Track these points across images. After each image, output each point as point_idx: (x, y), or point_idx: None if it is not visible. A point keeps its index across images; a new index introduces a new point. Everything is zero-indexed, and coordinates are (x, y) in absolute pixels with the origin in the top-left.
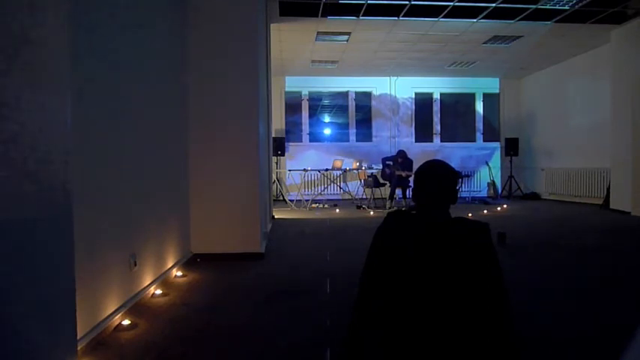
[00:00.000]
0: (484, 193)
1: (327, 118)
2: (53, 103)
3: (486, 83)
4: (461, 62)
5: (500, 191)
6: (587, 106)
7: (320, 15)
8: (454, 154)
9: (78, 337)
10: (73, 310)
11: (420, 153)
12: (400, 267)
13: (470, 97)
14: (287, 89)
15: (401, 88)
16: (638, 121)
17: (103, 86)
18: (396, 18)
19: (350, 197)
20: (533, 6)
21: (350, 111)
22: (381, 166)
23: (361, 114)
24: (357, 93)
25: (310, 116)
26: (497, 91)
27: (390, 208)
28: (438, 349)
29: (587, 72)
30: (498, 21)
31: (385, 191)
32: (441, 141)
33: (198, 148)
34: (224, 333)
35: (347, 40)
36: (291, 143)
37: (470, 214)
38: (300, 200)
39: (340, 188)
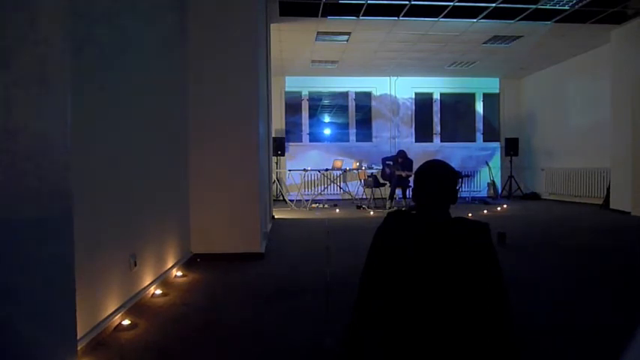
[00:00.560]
0: (484, 193)
1: (327, 118)
2: (53, 103)
3: (486, 83)
4: (461, 62)
5: (500, 191)
6: (587, 106)
7: (320, 15)
8: (454, 154)
9: (78, 337)
10: (73, 310)
11: (420, 153)
12: (400, 267)
13: (470, 97)
14: (287, 89)
15: (401, 88)
16: (638, 121)
17: (103, 86)
18: (396, 18)
19: (350, 197)
20: (533, 6)
21: (350, 111)
22: (381, 166)
23: (361, 114)
24: (357, 93)
25: (310, 116)
26: (497, 91)
27: (390, 208)
28: (438, 349)
29: (587, 72)
30: (498, 21)
31: (385, 191)
32: (441, 141)
33: (198, 148)
34: (224, 333)
35: (347, 40)
36: (291, 143)
37: (470, 214)
38: (300, 200)
39: (340, 188)
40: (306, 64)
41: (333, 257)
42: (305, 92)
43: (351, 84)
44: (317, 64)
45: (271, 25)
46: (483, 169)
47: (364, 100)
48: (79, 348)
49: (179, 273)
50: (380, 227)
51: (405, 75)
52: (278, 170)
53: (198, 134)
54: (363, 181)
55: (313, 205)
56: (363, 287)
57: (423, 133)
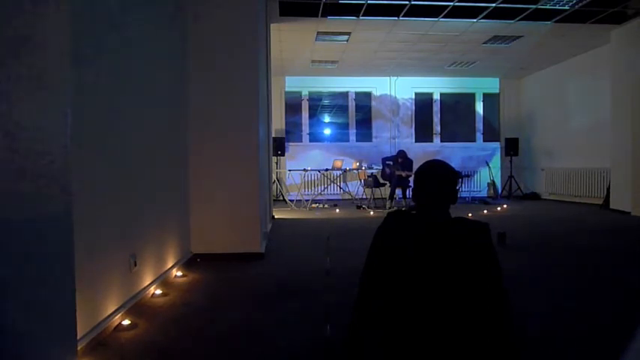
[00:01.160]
0: (484, 193)
1: (327, 118)
2: (53, 102)
3: (486, 83)
4: (461, 62)
5: (500, 191)
6: (587, 106)
7: (320, 15)
8: (454, 154)
9: (78, 337)
10: (73, 310)
11: (420, 153)
12: (400, 267)
13: (470, 97)
14: (287, 89)
15: (401, 88)
16: (638, 121)
17: (104, 86)
18: (396, 18)
19: (350, 197)
20: (533, 6)
21: (350, 111)
22: (381, 166)
23: (361, 114)
24: (357, 93)
25: (310, 116)
26: (497, 91)
27: (390, 208)
28: (438, 349)
29: (587, 72)
30: (498, 21)
31: (385, 191)
32: (441, 141)
33: (198, 149)
34: (224, 333)
35: (347, 40)
36: (291, 143)
37: (470, 214)
38: (300, 200)
39: (340, 188)
40: (306, 64)
41: (333, 257)
42: (305, 92)
43: (351, 84)
44: (317, 64)
45: (271, 25)
46: (483, 169)
47: (364, 100)
48: (79, 348)
49: (179, 273)
50: (380, 227)
51: (405, 75)
52: (278, 170)
53: (198, 134)
54: (363, 181)
55: (313, 205)
56: (363, 287)
57: (423, 133)
